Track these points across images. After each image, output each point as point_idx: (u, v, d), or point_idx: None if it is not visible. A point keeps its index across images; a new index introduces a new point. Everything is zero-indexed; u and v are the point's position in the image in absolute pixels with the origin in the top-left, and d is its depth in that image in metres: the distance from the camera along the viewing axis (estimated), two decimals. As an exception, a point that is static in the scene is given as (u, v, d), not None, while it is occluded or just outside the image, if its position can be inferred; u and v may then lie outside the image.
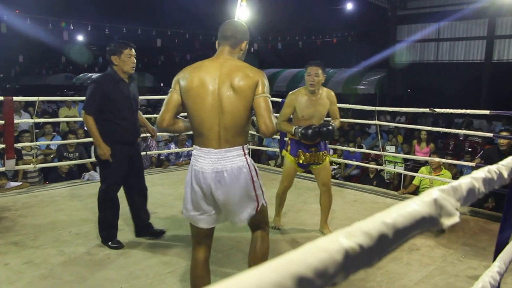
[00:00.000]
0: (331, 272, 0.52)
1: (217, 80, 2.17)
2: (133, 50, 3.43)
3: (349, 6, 18.37)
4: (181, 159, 6.91)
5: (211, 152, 2.17)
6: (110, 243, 3.50)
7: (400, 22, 16.99)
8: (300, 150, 3.79)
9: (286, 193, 4.07)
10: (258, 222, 2.39)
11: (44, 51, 23.81)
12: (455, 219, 0.74)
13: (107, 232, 3.54)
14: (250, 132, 8.51)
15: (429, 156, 6.22)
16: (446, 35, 16.36)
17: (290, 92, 3.81)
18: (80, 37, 22.90)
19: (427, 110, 5.23)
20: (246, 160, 2.22)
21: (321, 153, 3.81)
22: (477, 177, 0.94)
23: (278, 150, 7.40)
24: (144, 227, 3.74)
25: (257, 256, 2.40)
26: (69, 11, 16.80)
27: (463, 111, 4.89)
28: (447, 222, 0.73)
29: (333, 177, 7.53)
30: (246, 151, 2.25)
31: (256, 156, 8.92)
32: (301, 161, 3.81)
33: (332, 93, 3.83)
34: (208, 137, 2.18)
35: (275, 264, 0.49)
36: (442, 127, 8.73)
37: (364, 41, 17.59)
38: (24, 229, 3.88)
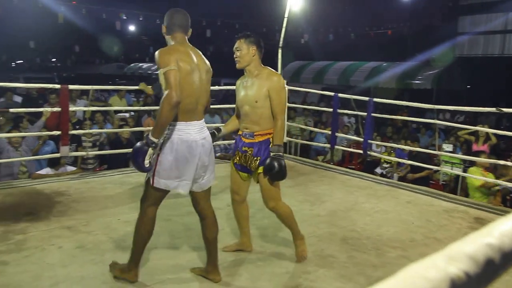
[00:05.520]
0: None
1: (199, 67, 2.60)
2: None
3: (406, -5, 17.59)
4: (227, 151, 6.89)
5: (198, 124, 2.62)
6: None
7: (463, 12, 16.02)
8: (238, 149, 3.13)
9: (237, 204, 3.24)
10: (209, 192, 2.84)
11: (98, 41, 24.70)
12: None
13: None
14: (300, 126, 8.44)
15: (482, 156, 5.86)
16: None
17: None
18: (132, 27, 23.47)
19: (493, 109, 4.85)
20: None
21: (254, 158, 3.01)
22: None
23: (326, 145, 7.21)
24: None
25: (217, 230, 2.83)
26: (123, 1, 17.26)
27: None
28: None
29: (385, 176, 7.24)
30: None
31: (304, 151, 8.76)
32: (235, 161, 3.13)
33: (275, 77, 3.00)
34: (196, 111, 2.61)
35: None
36: (506, 127, 8.14)
37: (422, 33, 16.80)
38: (76, 214, 3.99)
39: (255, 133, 3.00)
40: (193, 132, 2.56)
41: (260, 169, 2.96)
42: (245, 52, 2.98)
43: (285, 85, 6.18)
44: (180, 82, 2.43)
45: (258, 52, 3.02)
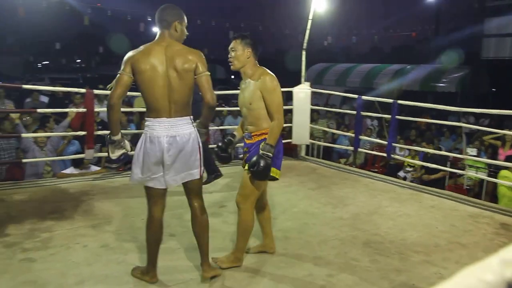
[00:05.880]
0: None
1: (168, 64, 2.56)
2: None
3: (431, -2, 17.30)
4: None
5: (168, 121, 2.60)
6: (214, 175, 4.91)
7: (490, 14, 15.68)
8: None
9: (257, 206, 3.16)
10: (197, 189, 2.78)
11: (122, 42, 25.08)
12: None
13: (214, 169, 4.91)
14: (322, 128, 8.38)
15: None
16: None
17: None
18: (155, 29, 23.75)
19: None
20: (193, 128, 2.69)
21: (246, 155, 3.04)
22: None
23: (349, 148, 7.14)
24: None
25: (203, 224, 2.81)
26: (147, 3, 17.48)
27: None
28: None
29: (405, 179, 7.14)
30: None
31: (327, 153, 8.70)
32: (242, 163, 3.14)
33: (267, 77, 2.89)
34: (166, 109, 2.59)
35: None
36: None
37: (447, 35, 16.51)
38: (100, 213, 4.06)
39: (252, 134, 2.98)
40: (158, 129, 2.59)
41: (246, 165, 2.92)
42: (240, 53, 2.93)
43: (309, 86, 6.12)
44: (142, 82, 2.57)
45: (253, 54, 2.96)
